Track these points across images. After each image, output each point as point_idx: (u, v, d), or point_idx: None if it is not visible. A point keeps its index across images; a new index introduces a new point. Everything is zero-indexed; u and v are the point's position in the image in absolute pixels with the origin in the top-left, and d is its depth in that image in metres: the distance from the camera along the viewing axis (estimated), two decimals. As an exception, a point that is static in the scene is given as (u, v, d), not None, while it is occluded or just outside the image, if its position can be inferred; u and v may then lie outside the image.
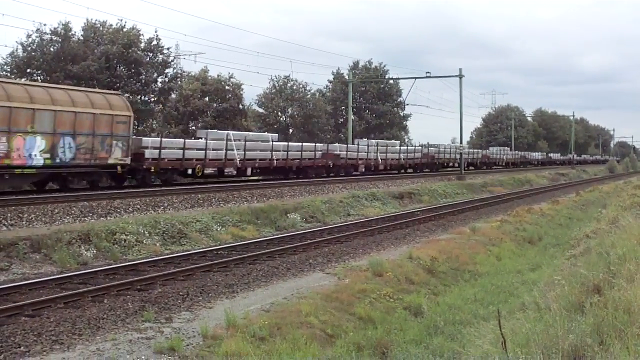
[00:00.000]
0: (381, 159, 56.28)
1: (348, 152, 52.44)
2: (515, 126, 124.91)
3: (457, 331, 13.81)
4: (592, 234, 21.48)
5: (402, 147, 64.07)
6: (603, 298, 9.17)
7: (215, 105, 57.96)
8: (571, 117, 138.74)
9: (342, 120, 80.00)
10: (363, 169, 54.24)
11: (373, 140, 60.85)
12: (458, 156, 71.07)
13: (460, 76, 65.30)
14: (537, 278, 18.39)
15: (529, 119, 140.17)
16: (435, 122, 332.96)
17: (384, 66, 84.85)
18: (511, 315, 11.04)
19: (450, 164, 74.06)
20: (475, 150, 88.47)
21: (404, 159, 61.52)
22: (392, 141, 66.91)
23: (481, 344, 9.20)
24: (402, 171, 61.36)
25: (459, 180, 57.70)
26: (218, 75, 59.74)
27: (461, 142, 72.25)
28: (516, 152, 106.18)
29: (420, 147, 68.03)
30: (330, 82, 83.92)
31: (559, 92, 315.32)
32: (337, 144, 54.76)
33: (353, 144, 58.66)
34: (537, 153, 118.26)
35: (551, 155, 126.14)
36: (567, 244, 25.06)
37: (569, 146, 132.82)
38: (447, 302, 16.92)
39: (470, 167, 78.45)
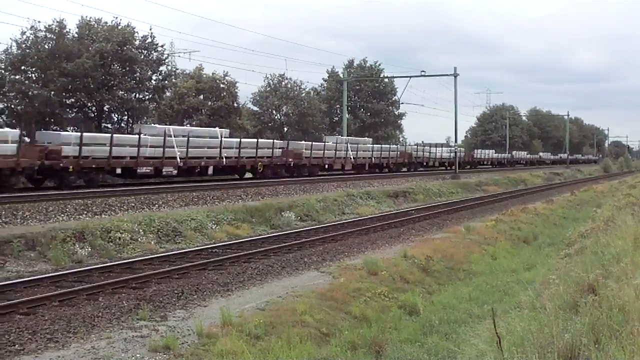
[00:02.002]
0: (353, 158, 53.61)
1: (313, 151, 48.45)
2: (510, 125, 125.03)
3: (452, 330, 13.83)
4: (587, 234, 21.51)
5: (375, 145, 60.88)
6: (598, 297, 9.17)
7: (210, 103, 57.87)
8: (566, 117, 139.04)
9: (337, 118, 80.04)
10: (327, 168, 51.39)
11: (343, 137, 58.15)
12: (440, 155, 71.19)
13: (455, 75, 65.46)
14: (532, 277, 18.43)
15: (524, 118, 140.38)
16: (431, 121, 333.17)
17: (379, 65, 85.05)
18: (506, 315, 11.03)
19: (431, 163, 72.01)
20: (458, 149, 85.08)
21: (377, 158, 58.81)
22: (364, 139, 63.60)
23: (476, 343, 9.21)
24: (377, 171, 58.53)
25: (453, 180, 57.81)
26: (213, 73, 59.70)
27: (456, 141, 72.55)
28: (500, 152, 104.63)
29: (396, 146, 65.71)
30: (325, 80, 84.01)
31: (552, 90, 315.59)
32: (302, 142, 50.86)
33: (322, 141, 55.64)
34: (524, 152, 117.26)
35: (541, 154, 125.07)
36: (562, 243, 25.08)
37: (564, 146, 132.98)
38: (442, 301, 16.94)
39: (452, 167, 73.48)
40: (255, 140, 44.15)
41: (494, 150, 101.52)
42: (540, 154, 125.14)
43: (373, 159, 57.95)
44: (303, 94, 73.89)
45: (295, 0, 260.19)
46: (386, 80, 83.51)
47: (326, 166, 50.20)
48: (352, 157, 53.54)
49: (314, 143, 50.32)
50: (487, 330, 9.75)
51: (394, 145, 65.65)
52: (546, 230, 32.70)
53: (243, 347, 11.01)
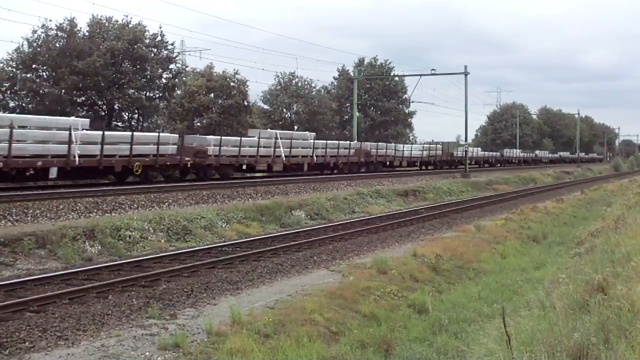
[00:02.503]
0: (285, 156, 43.53)
1: (223, 147, 38.02)
2: (520, 124, 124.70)
3: (462, 329, 13.82)
4: (597, 233, 21.47)
5: (319, 141, 50.16)
6: (608, 296, 9.17)
7: (220, 101, 57.91)
8: (576, 116, 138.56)
9: (347, 117, 79.98)
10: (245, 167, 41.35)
11: (273, 131, 46.83)
12: (409, 154, 63.86)
13: (466, 73, 65.23)
14: (542, 276, 18.39)
15: (534, 116, 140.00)
16: (441, 119, 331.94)
17: (389, 63, 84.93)
18: (516, 314, 11.03)
19: (397, 163, 63.00)
20: (438, 147, 74.13)
21: (321, 157, 48.51)
22: (305, 133, 53.00)
23: (485, 342, 9.20)
24: (327, 173, 49.38)
25: (463, 178, 57.76)
26: (223, 72, 59.71)
27: (466, 140, 72.39)
28: (491, 151, 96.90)
29: (348, 142, 55.05)
30: (335, 78, 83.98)
31: (564, 89, 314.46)
32: (209, 136, 40.05)
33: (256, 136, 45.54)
34: (518, 150, 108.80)
35: (537, 152, 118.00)
36: (571, 242, 25.05)
37: (574, 144, 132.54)
38: (452, 300, 16.93)
39: (430, 167, 69.32)
40: (129, 133, 34.13)
41: (480, 148, 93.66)
42: (537, 152, 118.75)
43: (315, 157, 47.38)
44: (313, 93, 73.90)
45: (307, 0, 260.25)
46: (396, 78, 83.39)
47: (244, 166, 40.67)
48: (283, 155, 43.40)
49: (224, 138, 39.40)
50: (496, 329, 9.75)
51: (346, 142, 55.25)
52: (556, 229, 32.63)
53: (252, 345, 11.02)
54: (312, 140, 48.65)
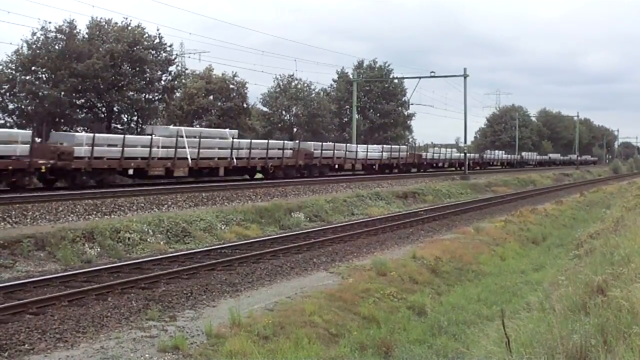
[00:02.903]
0: (191, 159, 36.14)
1: (98, 147, 30.88)
2: (520, 126, 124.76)
3: (461, 331, 13.82)
4: (596, 235, 21.47)
5: (242, 141, 41.91)
6: (607, 298, 9.17)
7: (219, 104, 57.95)
8: (575, 118, 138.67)
9: (346, 119, 79.98)
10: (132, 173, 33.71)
11: (175, 128, 39.44)
12: (366, 155, 55.88)
13: (465, 76, 65.29)
14: (541, 278, 18.40)
15: (533, 119, 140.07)
16: (441, 122, 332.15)
17: (389, 65, 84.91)
18: (515, 316, 11.04)
19: (348, 166, 55.31)
20: (402, 148, 65.54)
21: (244, 159, 40.62)
22: (222, 130, 43.63)
23: (485, 344, 9.21)
24: (247, 178, 42.64)
25: (463, 180, 57.78)
26: (222, 74, 59.77)
27: (465, 142, 72.28)
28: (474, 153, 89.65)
29: (283, 142, 46.65)
30: (334, 81, 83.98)
31: (563, 92, 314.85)
32: (78, 134, 34.31)
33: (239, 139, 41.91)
34: (501, 152, 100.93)
35: (523, 154, 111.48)
36: (571, 244, 25.04)
37: (573, 146, 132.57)
38: (451, 302, 16.93)
39: (394, 171, 60.68)
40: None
41: (455, 150, 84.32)
42: (524, 153, 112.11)
43: (235, 160, 39.53)
44: (313, 95, 73.91)
45: (306, 2, 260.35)
46: (396, 81, 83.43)
47: (130, 171, 33.36)
48: (189, 157, 35.98)
49: (100, 135, 32.69)
50: (495, 331, 9.76)
51: (281, 142, 47.14)
52: (555, 231, 32.66)
53: (252, 347, 11.03)
54: (232, 140, 40.17)
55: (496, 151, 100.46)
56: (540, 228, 32.61)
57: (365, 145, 59.18)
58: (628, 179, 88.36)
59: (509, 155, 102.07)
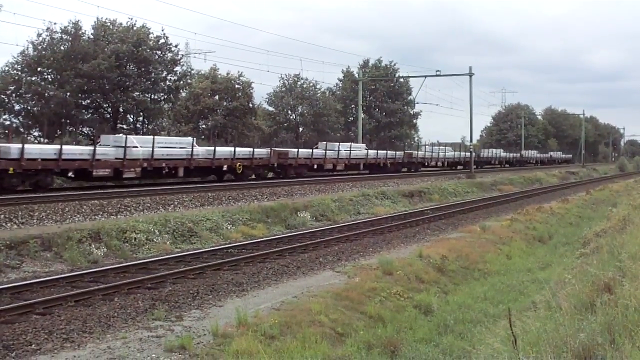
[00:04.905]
0: (144, 159, 32.38)
1: (29, 146, 28.69)
2: (525, 124, 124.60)
3: (467, 330, 13.81)
4: (603, 233, 21.42)
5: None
6: (614, 297, 9.14)
7: (225, 103, 58.05)
8: (581, 116, 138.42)
9: (352, 118, 79.98)
10: None
11: (126, 136, 33.21)
12: (347, 154, 51.34)
13: (470, 74, 65.22)
14: (548, 277, 18.34)
15: (539, 117, 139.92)
16: (446, 120, 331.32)
17: (394, 64, 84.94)
18: (521, 314, 11.01)
19: (329, 166, 49.75)
20: (379, 150, 60.00)
21: (208, 158, 36.72)
22: (178, 137, 40.61)
23: (491, 343, 9.19)
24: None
25: (469, 179, 57.72)
26: (228, 74, 59.84)
27: (471, 141, 72.03)
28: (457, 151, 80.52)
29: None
30: (340, 80, 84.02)
31: (568, 89, 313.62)
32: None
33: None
34: (498, 150, 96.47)
35: (522, 152, 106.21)
36: (577, 242, 24.99)
37: (579, 145, 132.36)
38: (457, 301, 16.90)
39: (374, 171, 55.31)
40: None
41: (450, 148, 79.42)
42: (523, 152, 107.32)
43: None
44: (318, 94, 73.93)
45: (311, 1, 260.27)
46: (401, 80, 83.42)
47: (70, 173, 29.75)
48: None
49: None
50: (502, 329, 9.74)
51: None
52: (561, 230, 32.58)
53: (258, 347, 11.02)
54: (192, 139, 37.02)
55: (494, 149, 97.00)
56: (547, 226, 32.55)
57: (349, 144, 55.73)
58: (634, 176, 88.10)
59: (508, 154, 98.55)
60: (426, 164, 68.05)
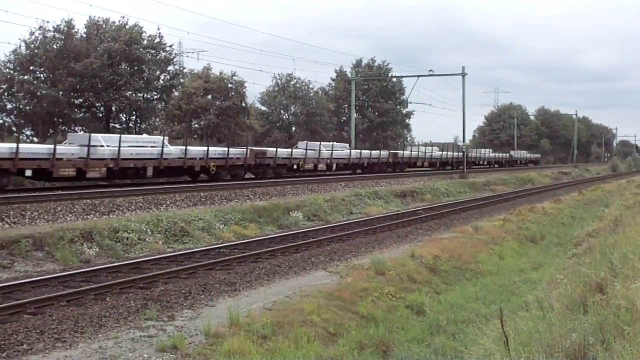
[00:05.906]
0: (111, 158, 31.12)
1: None
2: (518, 125, 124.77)
3: (459, 330, 13.82)
4: (595, 233, 21.48)
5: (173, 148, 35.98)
6: (605, 297, 9.16)
7: (218, 103, 57.98)
8: (574, 116, 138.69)
9: (344, 118, 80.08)
10: None
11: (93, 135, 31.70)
12: (329, 154, 49.93)
13: (463, 74, 65.35)
14: (540, 277, 18.42)
15: (532, 117, 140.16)
16: (439, 120, 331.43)
17: (387, 64, 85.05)
18: (513, 314, 11.03)
19: (310, 166, 48.07)
20: (362, 150, 59.23)
21: (179, 158, 35.10)
22: (147, 136, 39.68)
23: (483, 343, 9.20)
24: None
25: (461, 179, 57.78)
26: (221, 73, 59.80)
27: (464, 141, 72.24)
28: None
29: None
30: (333, 80, 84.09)
31: (561, 90, 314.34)
32: None
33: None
34: (487, 150, 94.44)
35: (512, 152, 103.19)
36: (569, 242, 25.07)
37: (572, 145, 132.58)
38: (449, 301, 16.91)
39: (358, 171, 54.89)
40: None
41: (437, 148, 76.82)
42: (512, 152, 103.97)
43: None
44: (311, 94, 73.98)
45: (304, 0, 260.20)
46: (394, 79, 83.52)
47: (28, 172, 28.15)
48: None
49: None
50: (494, 329, 9.75)
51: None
52: (554, 230, 32.65)
53: (250, 347, 11.01)
54: (163, 138, 35.66)
55: (482, 149, 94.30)
56: (539, 227, 32.59)
57: (330, 144, 53.79)
58: (626, 177, 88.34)
59: (497, 154, 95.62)
60: (412, 164, 66.03)
